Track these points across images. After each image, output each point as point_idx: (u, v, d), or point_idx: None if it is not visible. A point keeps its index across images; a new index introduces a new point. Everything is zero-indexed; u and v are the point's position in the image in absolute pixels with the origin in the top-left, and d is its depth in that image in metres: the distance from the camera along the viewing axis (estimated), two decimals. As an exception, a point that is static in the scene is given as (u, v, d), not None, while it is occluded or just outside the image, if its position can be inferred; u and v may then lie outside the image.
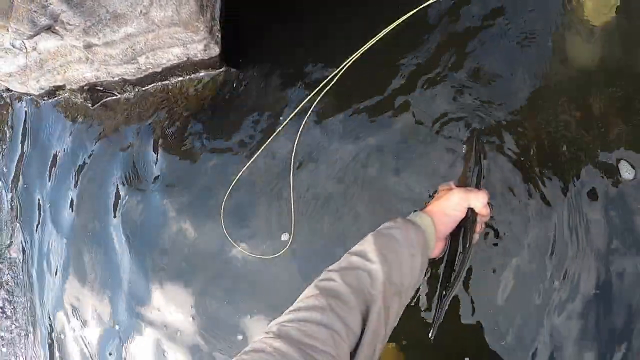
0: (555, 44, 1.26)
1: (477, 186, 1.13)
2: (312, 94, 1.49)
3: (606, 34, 1.23)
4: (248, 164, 1.57)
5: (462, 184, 1.14)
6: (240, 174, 1.57)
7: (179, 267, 1.65)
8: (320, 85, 1.47)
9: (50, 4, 1.36)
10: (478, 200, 1.02)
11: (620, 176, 1.12)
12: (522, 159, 1.22)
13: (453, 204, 1.03)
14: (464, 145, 1.31)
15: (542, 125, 1.22)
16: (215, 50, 1.70)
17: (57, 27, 1.48)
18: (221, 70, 1.79)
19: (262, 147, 1.56)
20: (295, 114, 1.52)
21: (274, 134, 1.54)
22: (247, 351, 0.72)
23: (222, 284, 1.56)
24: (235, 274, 1.54)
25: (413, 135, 1.36)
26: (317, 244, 1.42)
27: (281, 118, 1.58)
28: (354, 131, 1.45)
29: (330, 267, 0.91)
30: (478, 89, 1.31)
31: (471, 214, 1.05)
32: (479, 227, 1.08)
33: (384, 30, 1.37)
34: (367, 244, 0.92)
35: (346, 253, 0.94)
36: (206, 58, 1.73)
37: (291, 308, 0.83)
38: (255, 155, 1.56)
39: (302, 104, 1.51)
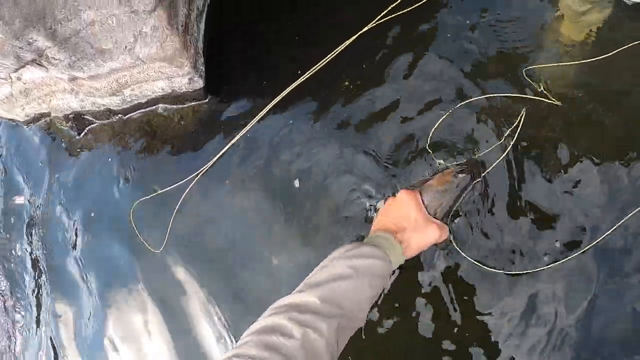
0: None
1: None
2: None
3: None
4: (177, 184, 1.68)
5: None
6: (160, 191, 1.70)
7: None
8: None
9: (36, 41, 1.40)
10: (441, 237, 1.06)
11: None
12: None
13: (431, 238, 1.05)
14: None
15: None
16: (199, 83, 1.74)
17: (42, 61, 1.51)
18: (205, 101, 1.82)
19: (204, 168, 1.65)
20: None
21: (217, 156, 1.62)
22: None
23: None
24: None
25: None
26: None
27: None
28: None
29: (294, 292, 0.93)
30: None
31: None
32: None
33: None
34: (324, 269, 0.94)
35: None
36: (190, 90, 1.76)
37: (251, 328, 0.85)
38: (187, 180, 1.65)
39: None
